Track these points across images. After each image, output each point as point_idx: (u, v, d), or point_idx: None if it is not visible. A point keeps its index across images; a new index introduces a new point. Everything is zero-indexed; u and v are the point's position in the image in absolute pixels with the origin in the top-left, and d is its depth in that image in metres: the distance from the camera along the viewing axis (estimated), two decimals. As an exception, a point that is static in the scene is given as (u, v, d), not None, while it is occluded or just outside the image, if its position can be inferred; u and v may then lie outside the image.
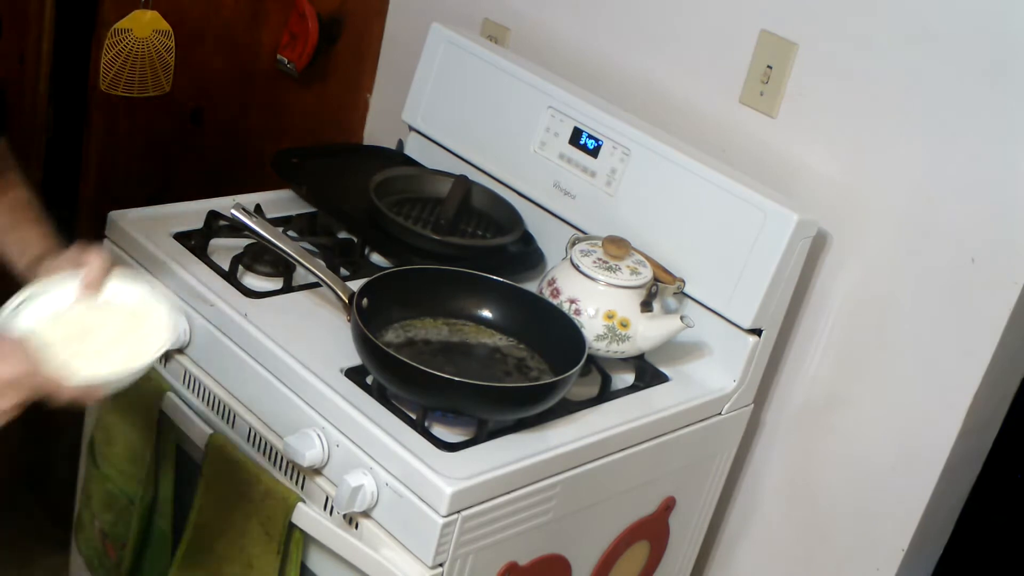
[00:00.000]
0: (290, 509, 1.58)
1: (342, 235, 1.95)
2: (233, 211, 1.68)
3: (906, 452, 1.79)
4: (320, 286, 1.74)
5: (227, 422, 1.70)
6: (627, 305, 1.72)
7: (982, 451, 1.89)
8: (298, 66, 2.23)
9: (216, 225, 1.86)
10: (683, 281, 1.80)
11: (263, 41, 2.24)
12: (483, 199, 2.02)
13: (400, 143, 2.20)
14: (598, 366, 1.75)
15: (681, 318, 1.70)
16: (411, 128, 2.17)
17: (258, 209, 1.91)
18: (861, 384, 1.84)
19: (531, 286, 1.80)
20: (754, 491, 2.00)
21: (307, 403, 1.59)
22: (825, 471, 1.90)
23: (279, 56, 2.25)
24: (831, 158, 1.82)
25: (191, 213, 1.90)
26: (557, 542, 1.67)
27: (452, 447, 1.52)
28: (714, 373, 1.82)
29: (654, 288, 1.75)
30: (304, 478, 1.60)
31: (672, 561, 1.94)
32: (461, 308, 1.76)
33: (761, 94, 1.88)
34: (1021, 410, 1.91)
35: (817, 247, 1.84)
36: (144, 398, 1.75)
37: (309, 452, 1.55)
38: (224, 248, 1.84)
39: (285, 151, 2.10)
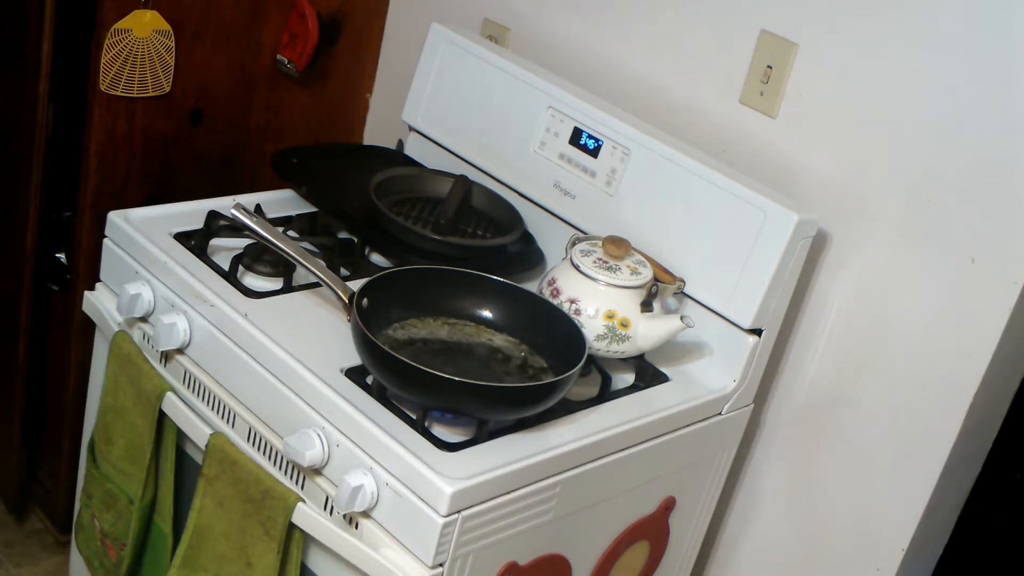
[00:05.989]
0: (290, 509, 1.58)
1: (342, 235, 1.95)
2: (233, 211, 1.68)
3: (906, 452, 1.79)
4: (320, 286, 1.74)
5: (227, 422, 1.70)
6: (627, 305, 1.72)
7: (982, 451, 1.89)
8: (298, 66, 2.23)
9: (216, 225, 1.85)
10: (683, 281, 1.81)
11: (263, 41, 2.24)
12: (483, 199, 2.02)
13: (400, 143, 2.20)
14: (598, 366, 1.74)
15: (681, 318, 1.70)
16: (411, 128, 2.17)
17: (258, 209, 1.91)
18: (861, 384, 1.83)
19: (531, 286, 1.80)
20: (754, 491, 2.00)
21: (307, 403, 1.59)
22: (825, 471, 1.90)
23: (279, 56, 2.25)
24: (831, 158, 1.82)
25: (191, 213, 1.91)
26: (557, 542, 1.67)
27: (452, 447, 1.52)
28: (714, 373, 1.82)
29: (654, 288, 1.75)
30: (304, 478, 1.60)
31: (672, 561, 1.94)
32: (461, 308, 1.76)
33: (761, 94, 1.88)
34: (1021, 410, 1.91)
35: (817, 247, 1.84)
36: (144, 398, 1.76)
37: (309, 452, 1.55)
38: (224, 248, 1.84)
39: (285, 151, 2.11)
